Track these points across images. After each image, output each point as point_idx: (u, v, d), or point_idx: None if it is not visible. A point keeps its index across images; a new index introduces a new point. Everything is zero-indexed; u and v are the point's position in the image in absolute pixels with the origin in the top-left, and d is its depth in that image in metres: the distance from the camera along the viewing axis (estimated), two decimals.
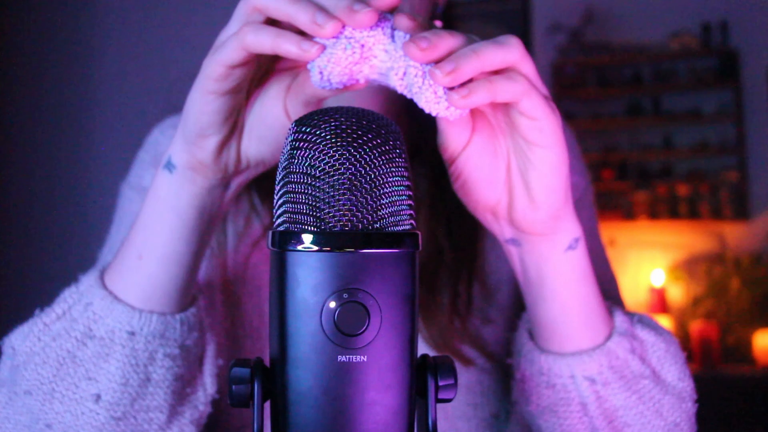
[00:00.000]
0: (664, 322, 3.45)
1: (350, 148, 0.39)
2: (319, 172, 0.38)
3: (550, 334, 0.62)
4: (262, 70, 0.55)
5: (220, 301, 0.73)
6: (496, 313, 0.76)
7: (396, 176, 0.40)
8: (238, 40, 0.48)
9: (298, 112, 0.54)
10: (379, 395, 0.38)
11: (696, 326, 3.35)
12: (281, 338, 0.38)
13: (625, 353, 0.61)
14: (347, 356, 0.37)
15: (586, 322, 0.61)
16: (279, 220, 0.40)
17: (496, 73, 0.48)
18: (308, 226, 0.38)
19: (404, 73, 0.47)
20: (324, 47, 0.46)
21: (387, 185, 0.39)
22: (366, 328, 0.37)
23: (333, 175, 0.38)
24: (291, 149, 0.40)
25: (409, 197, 0.40)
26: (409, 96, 0.48)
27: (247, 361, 0.40)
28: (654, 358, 0.63)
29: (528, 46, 3.93)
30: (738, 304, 3.42)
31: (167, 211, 0.57)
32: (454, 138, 0.54)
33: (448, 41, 0.47)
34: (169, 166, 0.56)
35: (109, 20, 3.58)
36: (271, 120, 0.55)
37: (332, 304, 0.37)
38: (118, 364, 0.57)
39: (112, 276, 0.60)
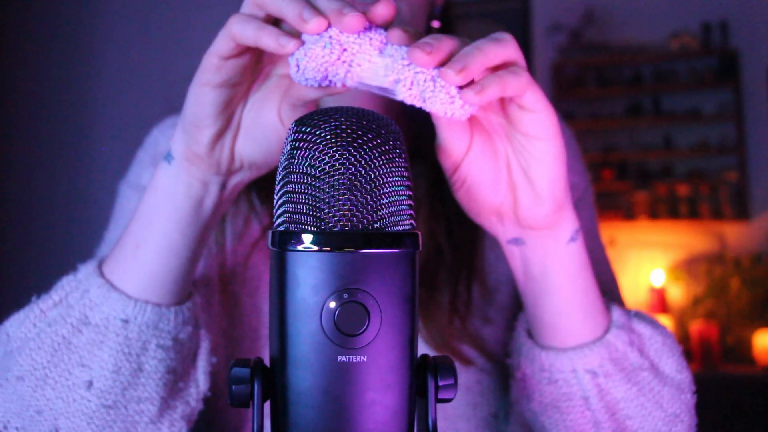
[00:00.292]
0: (664, 322, 3.44)
1: (350, 148, 0.39)
2: (319, 172, 0.39)
3: (551, 329, 0.63)
4: (262, 72, 0.56)
5: (218, 300, 0.73)
6: (495, 313, 0.76)
7: (396, 176, 0.40)
8: (226, 31, 0.50)
9: (289, 116, 0.55)
10: (379, 395, 0.38)
11: (696, 326, 3.35)
12: (281, 338, 0.38)
13: (624, 346, 0.62)
14: (347, 356, 0.37)
15: (586, 315, 0.62)
16: (279, 220, 0.40)
17: (497, 68, 0.50)
18: (308, 226, 0.38)
19: (413, 83, 0.48)
20: (302, 43, 0.48)
21: (387, 185, 0.39)
22: (366, 328, 0.37)
23: (333, 175, 0.38)
24: (291, 149, 0.40)
25: (409, 197, 0.40)
26: (420, 105, 0.49)
27: (247, 361, 0.40)
28: (652, 350, 0.64)
29: (528, 46, 3.94)
30: (738, 304, 3.42)
31: (165, 201, 0.58)
32: (455, 144, 0.55)
33: (448, 44, 0.48)
34: (168, 157, 0.58)
35: (109, 21, 3.58)
36: (265, 123, 0.56)
37: (332, 304, 0.37)
38: (111, 351, 0.58)
39: (110, 265, 0.61)
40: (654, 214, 3.72)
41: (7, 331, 0.61)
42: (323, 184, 0.38)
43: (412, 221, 0.40)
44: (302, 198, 0.39)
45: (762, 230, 3.56)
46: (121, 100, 3.48)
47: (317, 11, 0.48)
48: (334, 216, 0.38)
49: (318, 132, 0.39)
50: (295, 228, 0.39)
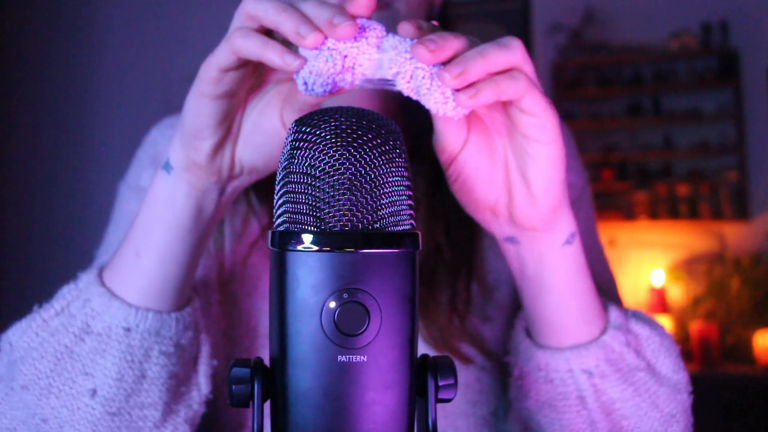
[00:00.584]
0: (664, 322, 3.44)
1: (350, 148, 0.39)
2: (319, 172, 0.39)
3: (547, 329, 0.63)
4: (259, 78, 0.56)
5: (216, 301, 0.73)
6: (494, 312, 0.76)
7: (396, 176, 0.40)
8: (229, 44, 0.50)
9: (292, 120, 0.55)
10: (379, 395, 0.38)
11: (696, 326, 3.35)
12: (281, 338, 0.38)
13: (620, 346, 0.63)
14: (347, 356, 0.37)
15: (582, 316, 0.62)
16: (279, 220, 0.40)
17: (499, 72, 0.49)
18: (308, 226, 0.38)
19: (411, 76, 0.49)
20: (306, 60, 0.48)
21: (387, 185, 0.39)
22: (366, 328, 0.37)
23: (333, 175, 0.38)
24: (291, 149, 0.40)
25: (409, 197, 0.40)
26: (416, 98, 0.50)
27: (247, 361, 0.40)
28: (648, 351, 0.64)
29: (528, 46, 3.93)
30: (738, 304, 3.42)
31: (164, 210, 0.58)
32: (451, 139, 0.55)
33: (453, 43, 0.48)
34: (167, 167, 0.58)
35: (109, 21, 3.58)
36: (267, 128, 0.56)
37: (332, 304, 0.37)
38: (114, 359, 0.58)
39: (111, 273, 0.61)
40: (654, 214, 3.72)
41: (9, 341, 0.62)
42: (323, 184, 0.38)
43: (412, 221, 0.40)
44: (302, 198, 0.39)
45: (762, 230, 3.56)
46: (121, 100, 3.48)
47: (313, 25, 0.48)
48: (334, 216, 0.38)
49: (318, 132, 0.39)
50: (295, 228, 0.39)
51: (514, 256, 0.61)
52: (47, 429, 0.59)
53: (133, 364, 0.59)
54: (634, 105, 3.85)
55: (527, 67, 0.51)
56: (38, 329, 0.60)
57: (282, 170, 0.40)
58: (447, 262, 0.73)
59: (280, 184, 0.40)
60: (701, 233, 3.62)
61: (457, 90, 0.48)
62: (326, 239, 0.38)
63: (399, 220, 0.39)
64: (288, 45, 0.49)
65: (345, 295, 0.37)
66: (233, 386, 0.39)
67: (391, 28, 0.66)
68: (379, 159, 0.39)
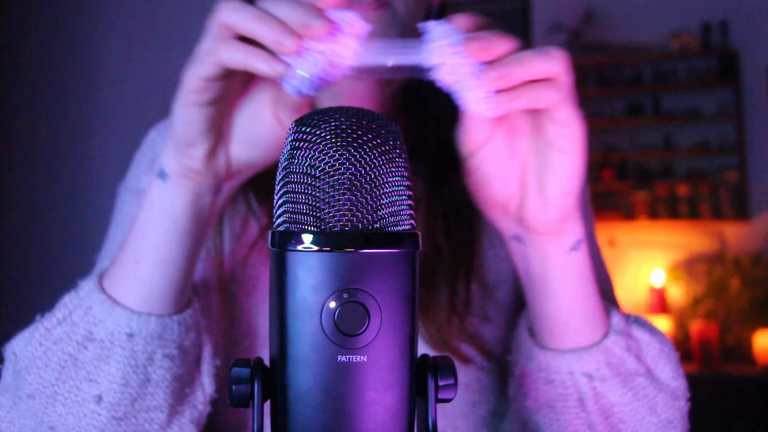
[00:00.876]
0: (664, 322, 3.45)
1: (350, 148, 0.39)
2: (319, 172, 0.38)
3: (550, 331, 0.63)
4: (246, 79, 0.56)
5: (216, 301, 0.73)
6: (494, 312, 0.76)
7: (396, 176, 0.40)
8: (213, 56, 0.50)
9: (287, 116, 0.56)
10: (379, 395, 0.38)
11: (696, 326, 3.35)
12: (281, 338, 0.38)
13: (621, 351, 0.63)
14: (347, 356, 0.37)
15: (585, 320, 0.62)
16: (279, 220, 0.40)
17: (538, 80, 0.50)
18: (308, 226, 0.38)
19: (454, 70, 0.49)
20: (290, 65, 0.49)
21: (387, 185, 0.39)
22: (366, 328, 0.37)
23: (333, 175, 0.38)
24: (291, 149, 0.40)
25: (409, 197, 0.40)
26: (452, 91, 0.50)
27: (247, 361, 0.40)
28: (649, 357, 0.65)
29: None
30: (738, 304, 3.42)
31: (162, 217, 0.58)
32: (476, 135, 0.55)
33: (502, 45, 0.49)
34: (162, 174, 0.58)
35: (108, 21, 3.58)
36: (262, 127, 0.56)
37: (332, 304, 0.37)
38: (118, 365, 0.59)
39: (111, 280, 0.61)
40: (654, 214, 3.72)
41: (14, 351, 0.62)
42: (323, 184, 0.38)
43: (412, 221, 0.40)
44: (302, 198, 0.39)
45: (762, 230, 3.56)
46: (121, 101, 3.48)
47: (290, 31, 0.48)
48: (334, 216, 0.38)
49: (318, 132, 0.39)
50: (295, 228, 0.39)
51: (520, 255, 0.62)
52: None
53: (137, 368, 0.59)
54: (634, 105, 3.85)
55: (566, 78, 0.51)
56: (41, 338, 0.61)
57: (282, 170, 0.40)
58: (447, 263, 0.73)
59: (280, 184, 0.40)
60: (701, 233, 3.62)
61: (497, 91, 0.49)
62: (326, 239, 0.38)
63: (399, 220, 0.39)
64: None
65: (345, 295, 0.37)
66: (233, 386, 0.39)
67: (391, 27, 0.66)
68: (379, 159, 0.39)
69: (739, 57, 3.64)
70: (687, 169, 3.78)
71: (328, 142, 0.39)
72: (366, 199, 0.38)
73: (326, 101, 0.75)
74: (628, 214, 3.75)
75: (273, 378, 0.39)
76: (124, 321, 0.59)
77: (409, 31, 0.69)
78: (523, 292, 0.65)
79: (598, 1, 3.74)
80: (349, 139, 0.39)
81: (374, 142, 0.39)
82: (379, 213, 0.39)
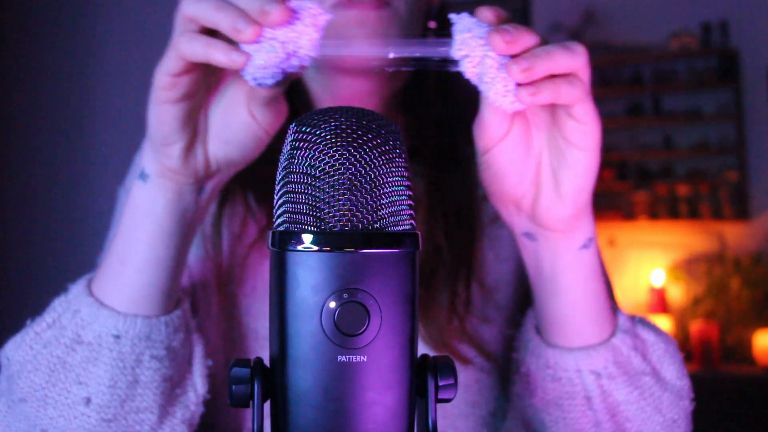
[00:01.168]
0: (664, 322, 3.45)
1: (350, 148, 0.39)
2: (319, 172, 0.38)
3: (558, 328, 0.63)
4: (218, 74, 0.56)
5: (215, 302, 0.73)
6: (494, 313, 0.76)
7: (396, 176, 0.40)
8: (175, 50, 0.51)
9: (260, 112, 0.56)
10: (379, 395, 0.38)
11: (696, 326, 3.35)
12: (281, 338, 0.38)
13: (628, 350, 0.63)
14: (347, 356, 0.37)
15: (594, 318, 0.62)
16: (279, 220, 0.40)
17: (559, 75, 0.50)
18: (308, 226, 0.38)
19: (479, 62, 0.50)
20: (250, 55, 0.49)
21: (387, 185, 0.39)
22: (366, 328, 0.37)
23: (333, 175, 0.38)
24: (291, 149, 0.40)
25: (409, 197, 0.40)
26: (476, 83, 0.51)
27: (247, 361, 0.40)
28: (654, 356, 0.65)
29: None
30: (738, 304, 3.42)
31: (145, 218, 0.59)
32: (494, 129, 0.55)
33: (527, 38, 0.49)
34: (143, 176, 0.58)
35: (109, 20, 3.58)
36: (236, 123, 0.56)
37: (332, 304, 0.37)
38: (106, 367, 0.59)
39: (98, 283, 0.61)
40: (654, 214, 3.72)
41: (7, 355, 0.63)
42: (323, 184, 0.38)
43: (412, 221, 0.40)
44: (302, 198, 0.39)
45: (762, 230, 3.56)
46: (121, 101, 3.47)
47: (248, 19, 0.48)
48: (334, 216, 0.38)
49: (318, 132, 0.39)
50: (295, 228, 0.39)
51: (530, 252, 0.62)
52: None
53: (125, 370, 0.59)
54: (634, 105, 3.85)
55: (585, 74, 0.52)
56: (32, 342, 0.61)
57: (282, 170, 0.40)
58: (447, 263, 0.73)
59: (280, 184, 0.40)
60: (701, 233, 3.62)
61: (519, 85, 0.49)
62: (326, 239, 0.38)
63: (399, 220, 0.39)
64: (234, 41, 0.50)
65: (345, 295, 0.37)
66: (233, 386, 0.39)
67: (391, 27, 0.66)
68: (379, 159, 0.39)
69: (739, 57, 3.64)
70: (687, 169, 3.78)
71: (328, 142, 0.39)
72: (366, 199, 0.38)
73: (326, 102, 0.75)
74: (628, 214, 3.75)
75: (273, 378, 0.39)
76: (111, 323, 0.59)
77: (409, 31, 0.69)
78: (531, 290, 0.65)
79: (598, 1, 3.74)
80: (349, 139, 0.39)
81: (374, 142, 0.39)
82: (379, 213, 0.39)
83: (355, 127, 0.39)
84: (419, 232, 0.40)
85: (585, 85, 0.51)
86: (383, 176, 0.39)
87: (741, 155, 3.64)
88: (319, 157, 0.39)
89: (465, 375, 0.73)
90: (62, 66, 3.53)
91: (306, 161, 0.39)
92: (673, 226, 3.69)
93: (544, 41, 0.51)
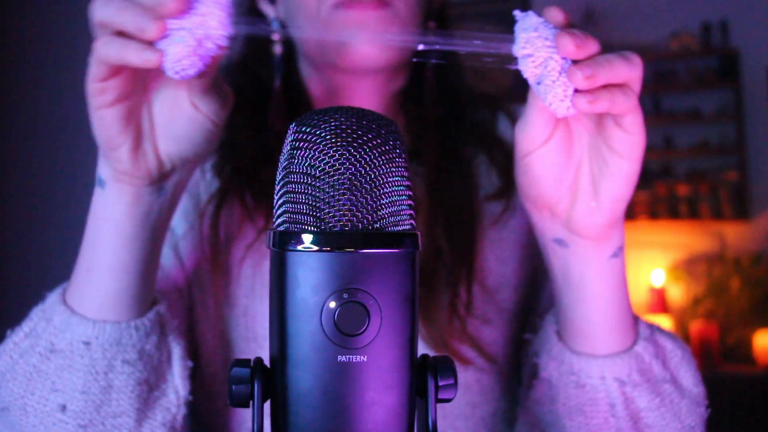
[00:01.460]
0: (664, 322, 3.45)
1: (350, 148, 0.39)
2: (319, 172, 0.38)
3: (583, 335, 0.63)
4: (150, 71, 0.55)
5: (213, 303, 0.73)
6: (495, 314, 0.76)
7: (396, 176, 0.39)
8: (95, 55, 0.50)
9: (203, 102, 0.55)
10: (379, 395, 0.38)
11: (696, 326, 3.35)
12: (281, 338, 0.38)
13: (650, 357, 0.63)
14: (347, 356, 0.37)
15: (618, 327, 0.63)
16: (279, 220, 0.40)
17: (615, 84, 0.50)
18: (308, 226, 0.38)
19: (542, 63, 0.49)
20: (162, 52, 0.48)
21: (387, 185, 0.39)
22: (366, 328, 0.37)
23: (333, 175, 0.38)
24: (291, 149, 0.40)
25: (409, 197, 0.40)
26: (533, 84, 0.50)
27: (247, 361, 0.40)
28: (672, 363, 0.65)
29: None
30: (738, 304, 3.41)
31: (105, 224, 0.59)
32: (537, 133, 0.55)
33: (592, 45, 0.49)
34: (100, 182, 0.58)
35: None
36: (181, 117, 0.56)
37: (332, 304, 0.37)
38: (79, 374, 0.59)
39: (70, 291, 0.62)
40: (654, 214, 3.72)
41: None
42: (323, 184, 0.38)
43: (412, 221, 0.40)
44: (302, 198, 0.39)
45: (762, 230, 3.55)
46: None
47: (150, 15, 0.48)
48: (334, 216, 0.38)
49: (318, 132, 0.39)
50: (295, 228, 0.39)
51: (560, 259, 0.61)
52: None
53: (97, 376, 0.59)
54: None
55: (638, 85, 0.52)
56: (11, 352, 0.61)
57: (282, 170, 0.40)
58: (447, 264, 0.73)
59: (280, 184, 0.40)
60: (701, 233, 3.62)
61: (577, 91, 0.49)
62: (326, 239, 0.38)
63: (399, 220, 0.39)
64: None
65: (345, 295, 0.37)
66: (233, 386, 0.39)
67: (391, 27, 0.66)
68: (379, 159, 0.39)
69: (739, 57, 3.64)
70: (687, 169, 3.78)
71: (328, 142, 0.39)
72: (366, 199, 0.38)
73: (326, 102, 0.75)
74: (628, 214, 3.70)
75: (273, 378, 0.39)
76: (81, 330, 0.59)
77: (409, 31, 0.69)
78: (556, 296, 0.65)
79: (598, 1, 3.74)
80: (349, 139, 0.39)
81: (374, 142, 0.39)
82: (379, 213, 0.39)
83: (355, 127, 0.39)
84: (419, 232, 0.40)
85: (636, 95, 0.51)
86: (383, 176, 0.39)
87: (741, 155, 3.64)
88: (319, 157, 0.39)
89: (465, 376, 0.73)
90: (62, 65, 3.53)
91: (306, 161, 0.39)
92: (673, 226, 3.69)
93: (602, 48, 0.51)
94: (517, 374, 0.76)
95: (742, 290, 3.42)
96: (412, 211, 0.40)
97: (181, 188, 0.61)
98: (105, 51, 0.50)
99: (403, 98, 0.79)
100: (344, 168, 0.38)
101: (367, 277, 0.37)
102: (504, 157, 0.79)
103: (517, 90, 0.62)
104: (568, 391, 0.64)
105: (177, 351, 0.65)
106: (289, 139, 0.40)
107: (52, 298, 0.62)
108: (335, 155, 0.38)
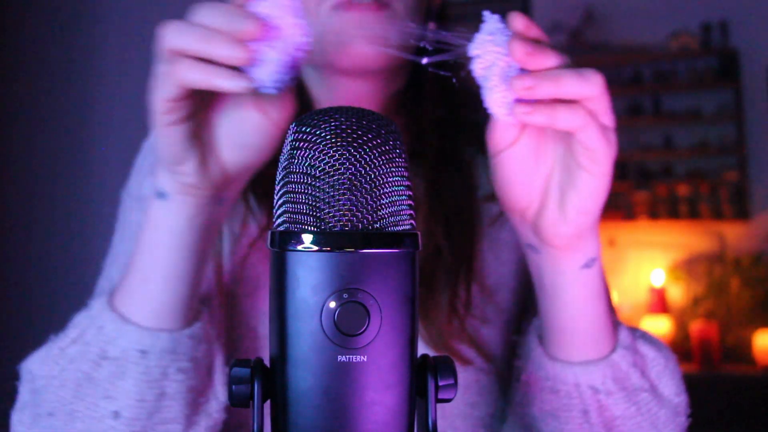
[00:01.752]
0: (664, 322, 3.45)
1: (350, 148, 0.39)
2: (319, 172, 0.38)
3: (558, 341, 0.63)
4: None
5: (217, 302, 0.73)
6: (494, 314, 0.76)
7: (396, 176, 0.40)
8: (174, 78, 0.50)
9: (275, 108, 0.55)
10: (379, 395, 0.38)
11: (696, 326, 3.35)
12: (281, 338, 0.38)
13: (627, 366, 0.63)
14: (347, 356, 0.37)
15: (594, 336, 0.63)
16: (279, 220, 0.40)
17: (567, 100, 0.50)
18: (308, 226, 0.38)
19: (489, 66, 0.50)
20: (252, 76, 0.49)
21: (387, 185, 0.39)
22: (366, 328, 0.37)
23: (333, 175, 0.38)
24: (291, 149, 0.40)
25: (409, 197, 0.40)
26: (480, 84, 0.51)
27: (247, 361, 0.40)
28: (653, 372, 0.65)
29: None
30: (738, 304, 3.41)
31: (166, 236, 0.59)
32: (501, 134, 0.55)
33: (548, 59, 0.49)
34: (161, 194, 0.58)
35: (109, 21, 3.58)
36: (248, 126, 0.56)
37: (332, 304, 0.37)
38: (133, 381, 0.59)
39: (121, 299, 0.62)
40: (654, 214, 3.72)
41: (30, 369, 0.63)
42: (323, 184, 0.38)
43: (412, 221, 0.40)
44: (302, 198, 0.39)
45: (762, 230, 3.55)
46: (121, 101, 3.47)
47: (238, 42, 0.48)
48: (334, 216, 0.38)
49: (318, 132, 0.39)
50: (295, 228, 0.39)
51: (534, 264, 0.62)
52: None
53: (152, 383, 0.60)
54: (634, 105, 3.85)
55: (599, 102, 0.51)
56: (57, 358, 0.61)
57: (282, 170, 0.40)
58: (447, 264, 0.73)
59: (280, 184, 0.40)
60: (701, 233, 3.62)
61: (518, 100, 0.49)
62: (326, 239, 0.38)
63: (399, 220, 0.39)
64: None
65: (345, 295, 0.37)
66: (233, 386, 0.39)
67: (390, 29, 0.66)
68: (379, 159, 0.39)
69: (739, 57, 3.64)
70: (687, 169, 3.78)
71: (328, 142, 0.39)
72: (366, 199, 0.38)
73: (326, 102, 0.75)
74: (628, 214, 3.75)
75: (273, 378, 0.39)
76: (136, 338, 0.59)
77: (408, 32, 0.69)
78: (537, 300, 0.65)
79: (598, 1, 3.74)
80: (349, 139, 0.39)
81: (374, 142, 0.39)
82: (379, 213, 0.39)
83: (355, 127, 0.39)
84: (419, 232, 0.40)
85: (594, 113, 0.50)
86: (383, 176, 0.39)
87: (741, 155, 3.64)
88: (319, 157, 0.39)
89: (465, 376, 0.73)
90: (62, 66, 3.53)
91: (306, 161, 0.39)
92: (673, 226, 3.69)
93: (564, 63, 0.50)
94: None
95: (742, 290, 3.42)
96: (412, 211, 0.40)
97: (237, 196, 0.62)
98: (190, 76, 0.50)
99: (402, 99, 0.79)
100: (344, 168, 0.38)
101: (367, 277, 0.38)
102: None
103: None
104: (544, 395, 0.65)
105: (219, 358, 0.66)
106: (289, 139, 0.40)
107: (99, 305, 0.62)
108: (335, 155, 0.38)
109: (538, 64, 0.49)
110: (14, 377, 0.65)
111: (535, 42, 0.50)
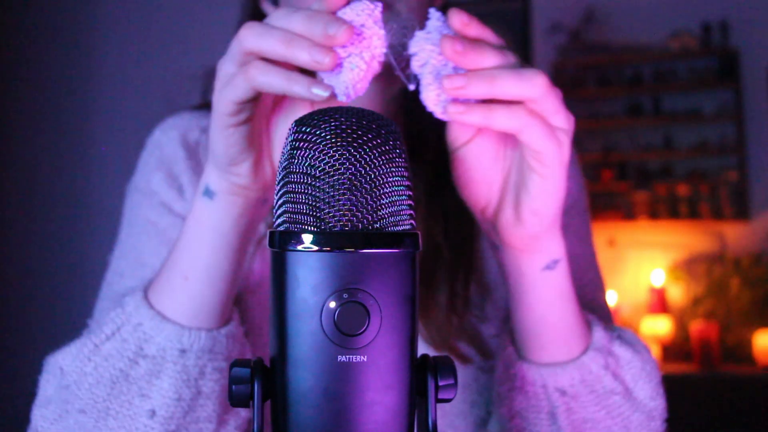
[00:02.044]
0: (664, 322, 3.45)
1: (350, 148, 0.39)
2: (319, 172, 0.38)
3: (526, 342, 0.63)
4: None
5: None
6: (493, 312, 0.76)
7: (396, 176, 0.40)
8: (247, 80, 0.49)
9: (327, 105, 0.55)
10: (379, 395, 0.38)
11: (696, 326, 3.35)
12: (281, 338, 0.38)
13: (598, 368, 0.62)
14: (347, 356, 0.37)
15: (562, 337, 0.62)
16: (279, 220, 0.40)
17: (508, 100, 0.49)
18: (308, 226, 0.38)
19: (424, 63, 0.49)
20: (332, 87, 0.48)
21: (387, 185, 0.39)
22: (366, 328, 0.37)
23: (333, 175, 0.38)
24: (291, 149, 0.40)
25: (409, 197, 0.40)
26: (418, 83, 0.51)
27: (248, 361, 0.40)
28: (628, 375, 0.64)
29: (528, 46, 3.94)
30: (738, 304, 3.41)
31: (210, 234, 0.58)
32: (456, 131, 0.55)
33: (484, 58, 0.48)
34: (209, 193, 0.58)
35: (109, 21, 3.58)
36: None
37: (332, 304, 0.37)
38: (170, 380, 0.59)
39: (159, 296, 0.61)
40: (654, 214, 3.72)
41: (60, 365, 0.62)
42: (323, 184, 0.38)
43: (412, 221, 0.40)
44: (302, 198, 0.39)
45: (762, 230, 3.55)
46: (122, 100, 3.47)
47: (322, 48, 0.47)
48: (334, 216, 0.38)
49: (318, 132, 0.39)
50: (295, 228, 0.39)
51: (499, 262, 0.62)
52: None
53: (189, 382, 0.60)
54: (634, 105, 3.85)
55: (543, 103, 0.50)
56: (90, 354, 0.61)
57: (282, 170, 0.40)
58: (446, 263, 0.74)
59: (280, 184, 0.40)
60: (701, 233, 3.62)
61: (453, 99, 0.48)
62: (326, 239, 0.38)
63: (399, 220, 0.39)
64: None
65: (345, 295, 0.37)
66: (233, 386, 0.39)
67: (390, 28, 0.66)
68: (379, 159, 0.39)
69: (739, 57, 3.64)
70: (687, 169, 3.78)
71: (328, 142, 0.39)
72: (366, 199, 0.38)
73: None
74: (628, 214, 3.75)
75: (273, 378, 0.39)
76: (176, 336, 0.59)
77: (410, 33, 0.69)
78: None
79: (598, 1, 3.74)
80: (349, 139, 0.39)
81: (374, 142, 0.39)
82: (379, 213, 0.39)
83: (355, 127, 0.39)
84: (419, 232, 0.40)
85: (533, 113, 0.49)
86: (383, 176, 0.39)
87: (741, 155, 3.64)
88: (319, 157, 0.39)
89: (464, 374, 0.73)
90: (63, 66, 3.53)
91: (306, 161, 0.39)
92: (673, 226, 3.69)
93: (508, 63, 0.49)
94: None
95: (742, 290, 3.42)
96: (412, 211, 0.40)
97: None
98: (265, 79, 0.49)
99: (402, 99, 0.79)
100: (344, 168, 0.38)
101: (367, 277, 0.38)
102: None
103: None
104: (512, 395, 0.64)
105: (248, 356, 0.66)
106: (289, 139, 0.40)
107: (135, 301, 0.62)
108: (335, 155, 0.38)
109: (471, 63, 0.48)
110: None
111: (474, 41, 0.49)
